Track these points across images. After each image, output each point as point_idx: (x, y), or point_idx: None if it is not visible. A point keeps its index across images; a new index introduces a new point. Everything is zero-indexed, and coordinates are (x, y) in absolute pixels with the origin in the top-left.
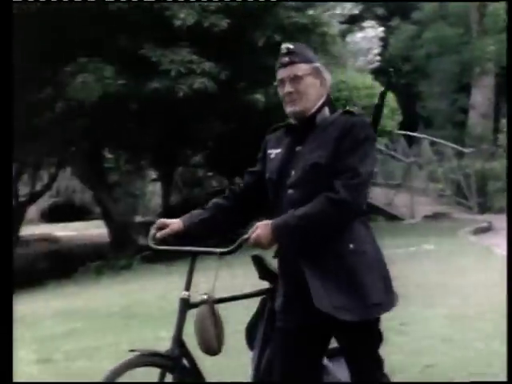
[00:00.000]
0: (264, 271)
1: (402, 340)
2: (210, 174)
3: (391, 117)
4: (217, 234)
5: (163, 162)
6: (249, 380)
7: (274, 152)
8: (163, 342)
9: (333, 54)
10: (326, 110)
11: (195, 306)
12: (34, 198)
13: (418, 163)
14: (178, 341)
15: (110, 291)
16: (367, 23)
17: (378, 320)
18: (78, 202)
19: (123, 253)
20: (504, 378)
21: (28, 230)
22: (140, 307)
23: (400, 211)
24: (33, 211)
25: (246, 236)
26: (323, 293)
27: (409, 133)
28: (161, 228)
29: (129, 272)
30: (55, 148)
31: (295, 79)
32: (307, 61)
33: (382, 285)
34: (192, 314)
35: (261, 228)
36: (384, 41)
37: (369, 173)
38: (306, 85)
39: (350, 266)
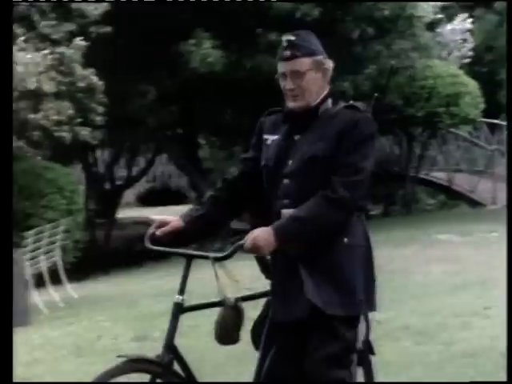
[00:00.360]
0: (269, 271)
1: (485, 323)
2: None
3: (474, 105)
4: (217, 228)
5: None
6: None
7: (270, 138)
8: None
9: (419, 40)
10: (329, 102)
11: (188, 310)
12: (130, 182)
13: (501, 150)
14: (170, 346)
15: (205, 272)
16: (460, 16)
17: (358, 318)
18: (174, 186)
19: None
20: None
21: (125, 214)
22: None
23: (482, 197)
24: (129, 195)
25: (241, 242)
26: (313, 286)
27: (491, 120)
28: (161, 226)
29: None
30: (151, 134)
31: (297, 74)
32: (309, 54)
33: (367, 283)
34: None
35: (258, 233)
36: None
37: (369, 171)
38: (307, 80)
39: (343, 260)
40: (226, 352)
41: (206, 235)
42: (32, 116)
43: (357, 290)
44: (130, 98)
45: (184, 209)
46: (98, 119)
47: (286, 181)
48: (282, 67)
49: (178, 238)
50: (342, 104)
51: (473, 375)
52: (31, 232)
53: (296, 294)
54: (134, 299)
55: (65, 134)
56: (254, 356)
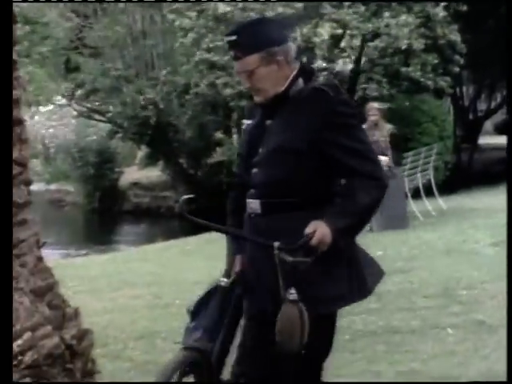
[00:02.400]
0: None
1: None
2: None
3: None
4: None
5: None
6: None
7: (246, 123)
8: None
9: None
10: (300, 82)
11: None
12: (489, 114)
13: None
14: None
15: None
16: None
17: (330, 316)
18: None
19: None
20: None
21: (484, 140)
22: None
23: None
24: (488, 125)
25: (309, 235)
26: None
27: None
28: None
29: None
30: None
31: (247, 73)
32: (255, 49)
33: (350, 277)
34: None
35: (324, 230)
36: None
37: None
38: (259, 78)
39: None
40: None
41: None
42: (403, 69)
43: (328, 287)
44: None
45: None
46: (457, 70)
47: (254, 170)
48: (234, 66)
49: None
50: (314, 82)
51: None
52: (410, 153)
53: (265, 286)
54: (491, 211)
55: (429, 83)
56: None
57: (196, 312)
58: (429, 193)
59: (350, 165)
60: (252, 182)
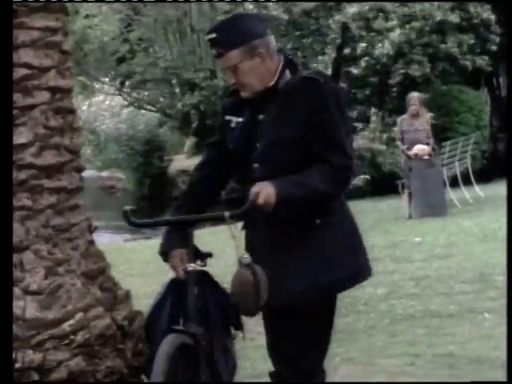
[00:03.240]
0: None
1: None
2: None
3: None
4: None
5: None
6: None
7: (234, 120)
8: None
9: None
10: (287, 73)
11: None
12: None
13: None
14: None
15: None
16: None
17: (331, 301)
18: None
19: None
20: None
21: None
22: None
23: None
24: None
25: (253, 197)
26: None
27: None
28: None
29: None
30: None
31: (230, 69)
32: (236, 44)
33: (354, 257)
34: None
35: (268, 189)
36: None
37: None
38: (244, 72)
39: (315, 240)
40: None
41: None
42: (442, 45)
43: (331, 269)
44: None
45: None
46: (494, 48)
47: (255, 165)
48: (219, 63)
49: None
50: (301, 72)
51: None
52: (448, 143)
53: (282, 277)
54: None
55: (467, 63)
56: None
57: (155, 319)
58: (466, 181)
59: (318, 151)
60: (254, 176)
